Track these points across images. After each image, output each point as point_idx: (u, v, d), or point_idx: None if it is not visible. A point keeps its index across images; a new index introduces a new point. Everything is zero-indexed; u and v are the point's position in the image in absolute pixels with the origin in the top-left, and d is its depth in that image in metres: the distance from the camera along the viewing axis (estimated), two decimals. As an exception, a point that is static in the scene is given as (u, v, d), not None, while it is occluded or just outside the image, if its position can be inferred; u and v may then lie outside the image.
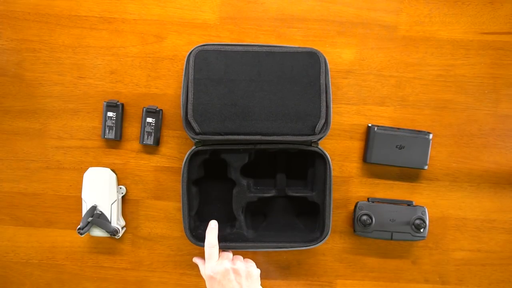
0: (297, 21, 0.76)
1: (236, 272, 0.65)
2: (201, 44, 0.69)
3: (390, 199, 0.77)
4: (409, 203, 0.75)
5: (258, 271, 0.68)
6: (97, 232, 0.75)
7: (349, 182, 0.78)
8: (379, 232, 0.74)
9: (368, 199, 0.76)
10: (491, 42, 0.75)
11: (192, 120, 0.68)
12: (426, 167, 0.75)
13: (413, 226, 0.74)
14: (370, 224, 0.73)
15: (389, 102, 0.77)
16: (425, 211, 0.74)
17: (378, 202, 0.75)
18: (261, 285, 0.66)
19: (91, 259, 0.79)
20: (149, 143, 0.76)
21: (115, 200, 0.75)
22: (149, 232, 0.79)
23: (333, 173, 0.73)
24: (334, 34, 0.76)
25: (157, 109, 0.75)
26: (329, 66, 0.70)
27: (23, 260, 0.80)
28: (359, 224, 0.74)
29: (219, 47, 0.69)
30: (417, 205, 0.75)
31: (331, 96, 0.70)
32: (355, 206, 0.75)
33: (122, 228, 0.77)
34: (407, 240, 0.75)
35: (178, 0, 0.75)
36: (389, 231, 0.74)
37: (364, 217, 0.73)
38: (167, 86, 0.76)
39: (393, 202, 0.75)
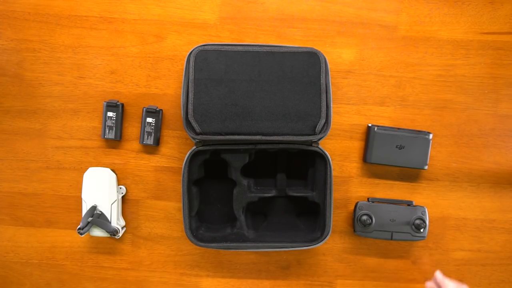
0: (297, 21, 0.76)
1: None
2: (201, 44, 0.69)
3: (390, 199, 0.77)
4: (409, 203, 0.75)
5: None
6: (97, 232, 0.75)
7: (349, 182, 0.78)
8: (379, 232, 0.74)
9: (368, 199, 0.76)
10: (491, 42, 0.75)
11: (192, 120, 0.68)
12: (426, 167, 0.75)
13: (413, 226, 0.74)
14: (370, 224, 0.73)
15: (389, 102, 0.77)
16: (425, 211, 0.74)
17: (378, 202, 0.75)
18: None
19: (91, 259, 0.79)
20: (149, 143, 0.76)
21: (115, 200, 0.75)
22: (149, 232, 0.79)
23: (333, 173, 0.73)
24: (334, 34, 0.76)
25: (157, 109, 0.75)
26: (329, 66, 0.70)
27: (23, 260, 0.80)
28: (359, 224, 0.74)
29: (219, 47, 0.69)
30: (417, 205, 0.75)
31: (331, 96, 0.70)
32: (355, 206, 0.75)
33: (122, 228, 0.77)
34: (407, 240, 0.75)
35: (178, 0, 0.75)
36: (389, 231, 0.74)
37: (364, 217, 0.73)
38: (167, 86, 0.76)
39: (393, 202, 0.75)
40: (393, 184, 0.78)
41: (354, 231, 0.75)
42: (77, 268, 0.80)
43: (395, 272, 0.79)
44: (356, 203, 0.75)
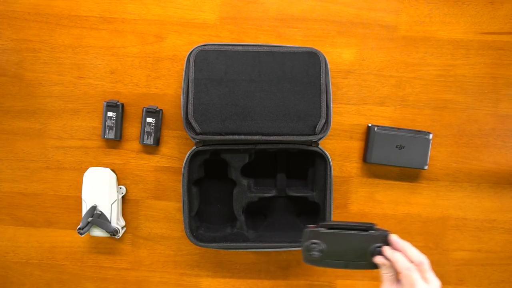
0: (297, 21, 0.76)
1: None
2: (201, 44, 0.69)
3: (348, 222, 0.61)
4: (369, 228, 0.59)
5: None
6: (97, 232, 0.75)
7: (349, 182, 0.78)
8: (332, 262, 0.60)
9: (319, 224, 0.60)
10: (491, 42, 0.75)
11: (192, 120, 0.68)
12: (426, 167, 0.75)
13: (370, 256, 0.58)
14: (320, 253, 0.59)
15: (389, 102, 0.77)
16: (387, 238, 0.58)
17: (331, 228, 0.59)
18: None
19: (91, 259, 0.79)
20: (149, 143, 0.76)
21: (115, 200, 0.75)
22: (149, 232, 0.79)
23: (333, 173, 0.73)
24: (334, 34, 0.76)
25: (157, 109, 0.75)
26: (329, 66, 0.70)
27: (23, 260, 0.80)
28: (306, 254, 0.59)
29: (219, 47, 0.69)
30: (379, 229, 0.58)
31: (331, 96, 0.70)
32: (302, 233, 0.60)
33: (122, 228, 0.77)
34: (365, 269, 0.60)
35: (178, 0, 0.75)
36: (344, 261, 0.60)
37: (313, 246, 0.59)
38: (167, 86, 0.76)
39: (350, 228, 0.59)
40: (393, 184, 0.78)
41: (302, 259, 0.60)
42: (77, 268, 0.80)
43: (395, 272, 0.79)
44: (304, 230, 0.60)
